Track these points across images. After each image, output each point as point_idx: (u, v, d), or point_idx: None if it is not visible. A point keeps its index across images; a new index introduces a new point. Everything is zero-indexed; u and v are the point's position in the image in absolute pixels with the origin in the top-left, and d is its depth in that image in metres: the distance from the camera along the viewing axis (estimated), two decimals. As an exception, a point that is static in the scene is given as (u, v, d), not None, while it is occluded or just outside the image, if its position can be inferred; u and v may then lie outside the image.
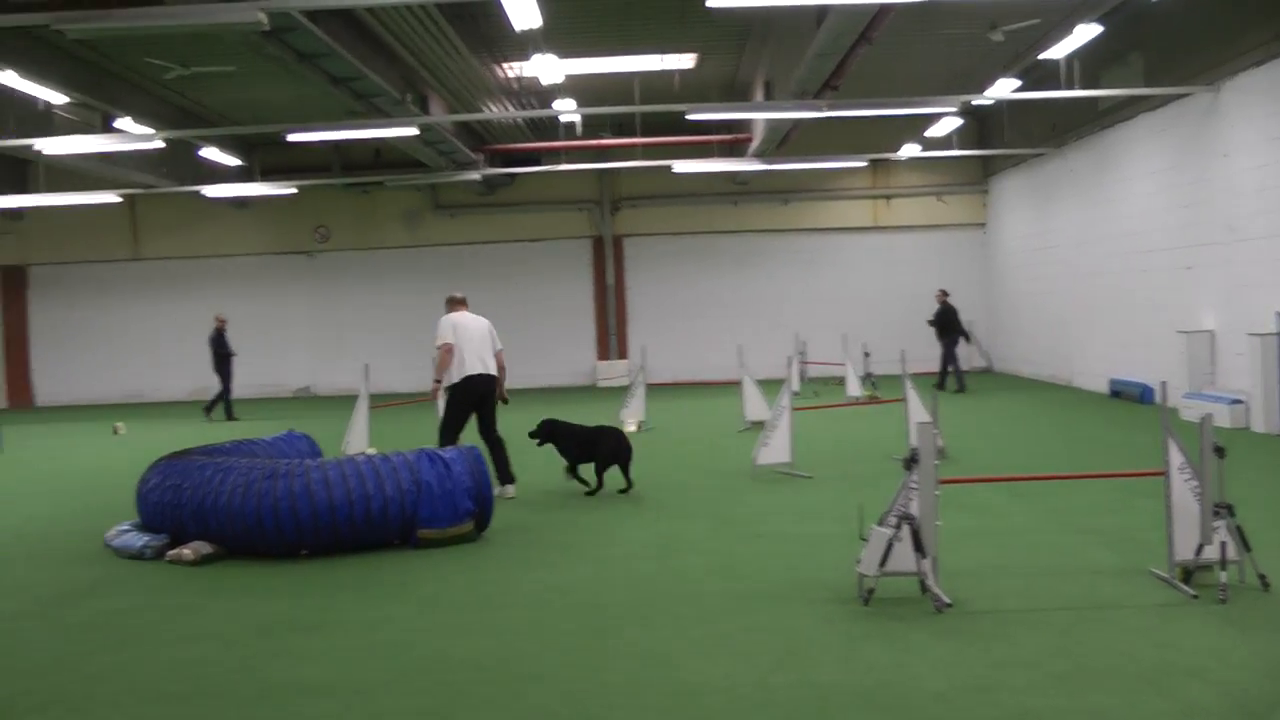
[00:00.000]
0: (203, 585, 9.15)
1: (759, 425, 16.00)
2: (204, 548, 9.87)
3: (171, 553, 9.98)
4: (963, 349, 25.38)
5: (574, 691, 6.15)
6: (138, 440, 20.76)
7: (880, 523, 7.42)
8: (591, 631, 7.26)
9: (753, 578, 8.46)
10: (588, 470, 12.71)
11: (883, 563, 7.30)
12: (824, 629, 7.05)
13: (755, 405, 17.85)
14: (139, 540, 10.32)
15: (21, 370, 33.14)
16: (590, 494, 12.57)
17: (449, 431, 12.72)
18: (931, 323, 24.90)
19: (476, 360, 12.69)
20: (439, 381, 12.81)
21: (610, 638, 7.11)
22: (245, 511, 9.63)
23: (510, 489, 12.73)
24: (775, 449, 13.21)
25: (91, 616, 8.36)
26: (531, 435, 12.94)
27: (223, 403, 24.64)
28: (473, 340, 12.77)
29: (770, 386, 18.08)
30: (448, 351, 12.62)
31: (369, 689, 6.36)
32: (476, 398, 12.74)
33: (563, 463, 12.90)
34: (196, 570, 9.64)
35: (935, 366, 24.56)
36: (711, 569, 8.83)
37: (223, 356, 24.69)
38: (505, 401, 13.06)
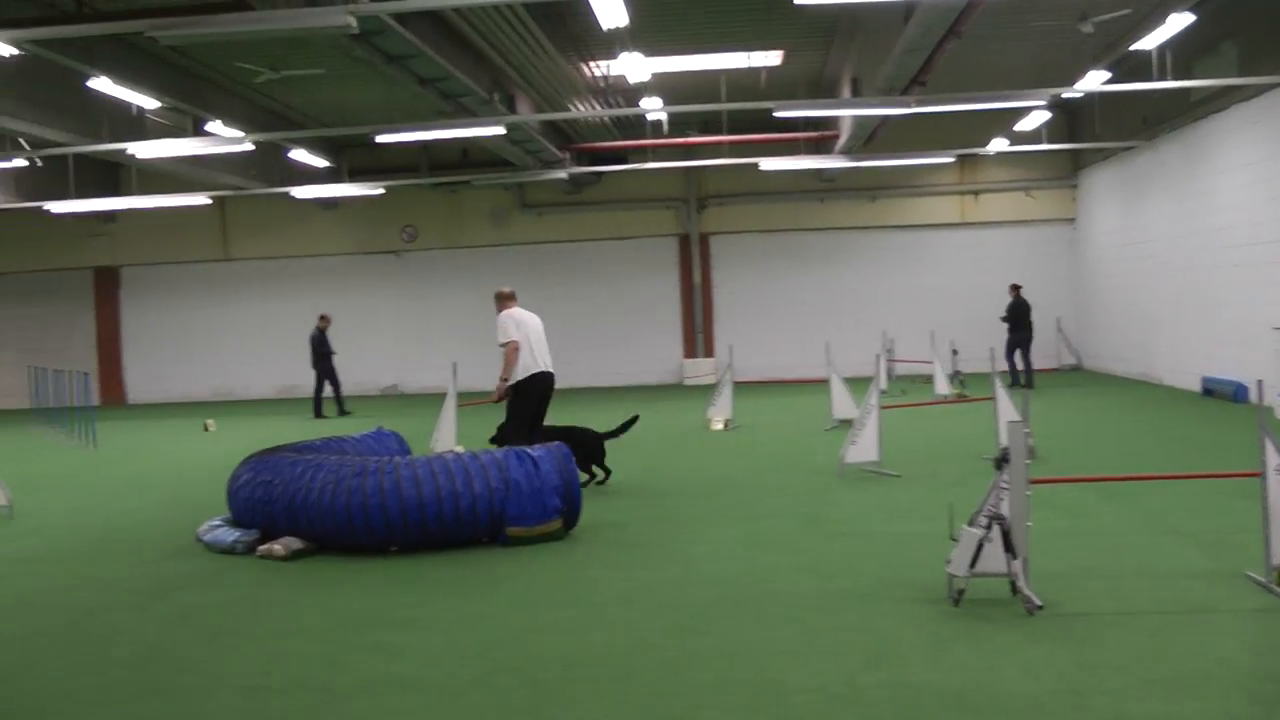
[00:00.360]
0: (293, 580, 9.27)
1: (846, 423, 15.94)
2: (294, 543, 10.01)
3: (262, 548, 10.13)
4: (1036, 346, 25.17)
5: (662, 690, 6.16)
6: (228, 437, 21.08)
7: (970, 523, 7.35)
8: (679, 630, 7.27)
9: (841, 577, 8.44)
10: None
11: (973, 563, 7.24)
12: (913, 629, 7.01)
13: (843, 403, 17.77)
14: (230, 535, 10.48)
15: (114, 369, 33.75)
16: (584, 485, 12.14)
17: (520, 429, 12.59)
18: (1004, 318, 24.71)
19: (542, 357, 12.70)
20: (505, 380, 12.61)
21: (698, 636, 7.11)
22: (335, 508, 9.75)
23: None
24: (863, 447, 13.15)
25: (184, 609, 8.52)
26: (492, 441, 12.93)
27: (329, 399, 24.84)
28: (536, 336, 12.72)
29: (858, 384, 18.03)
30: (514, 350, 12.51)
31: (459, 685, 6.41)
32: (539, 395, 12.71)
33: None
34: (287, 565, 9.78)
35: (1022, 365, 24.32)
36: (799, 568, 8.82)
37: (322, 355, 24.96)
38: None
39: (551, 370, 12.74)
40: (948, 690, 5.92)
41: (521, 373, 12.58)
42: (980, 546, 7.21)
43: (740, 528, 10.57)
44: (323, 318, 25.67)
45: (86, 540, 11.58)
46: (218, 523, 10.89)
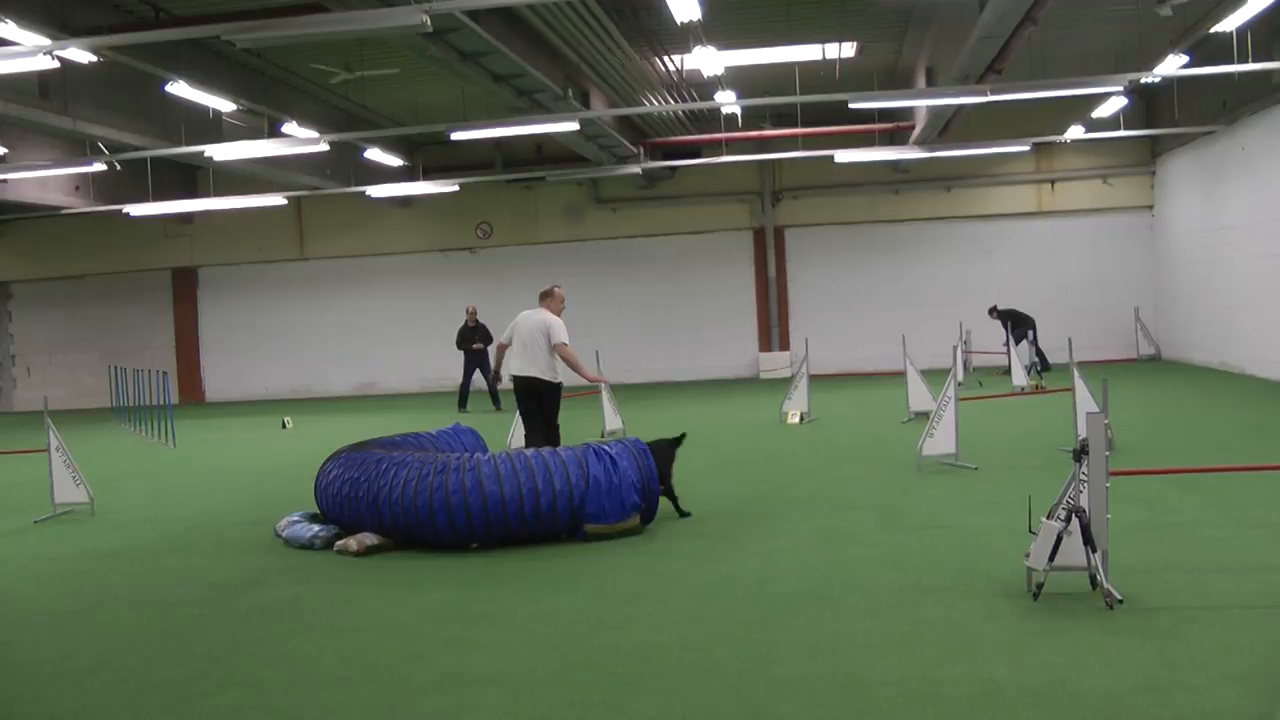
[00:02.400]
0: (371, 576, 9.38)
1: (923, 416, 15.84)
2: (369, 539, 10.11)
3: (339, 543, 10.25)
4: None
5: (742, 684, 6.17)
6: (305, 434, 21.30)
7: (1049, 516, 7.29)
8: (758, 623, 7.28)
9: (919, 570, 8.40)
10: None
11: (1052, 557, 7.17)
12: (993, 623, 6.97)
13: (919, 396, 17.65)
14: (308, 531, 10.62)
15: (193, 368, 34.21)
16: None
17: (527, 428, 13.17)
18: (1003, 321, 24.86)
19: (518, 360, 13.05)
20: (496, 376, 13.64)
21: (777, 630, 7.12)
22: (418, 504, 9.83)
23: None
24: (940, 440, 13.06)
25: (264, 603, 8.65)
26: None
27: (483, 392, 24.89)
28: (521, 337, 13.06)
29: (934, 376, 17.89)
30: (498, 350, 13.46)
31: (537, 680, 6.45)
32: (520, 396, 13.18)
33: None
34: (365, 561, 9.89)
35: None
36: (878, 561, 8.79)
37: (467, 347, 25.16)
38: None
39: (525, 374, 12.95)
40: (1028, 686, 5.87)
41: (507, 371, 13.27)
42: (1059, 540, 7.15)
43: (818, 521, 10.56)
44: (470, 309, 25.93)
45: (167, 536, 11.77)
46: (296, 518, 11.03)
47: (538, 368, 12.93)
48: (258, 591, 9.07)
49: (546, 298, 13.43)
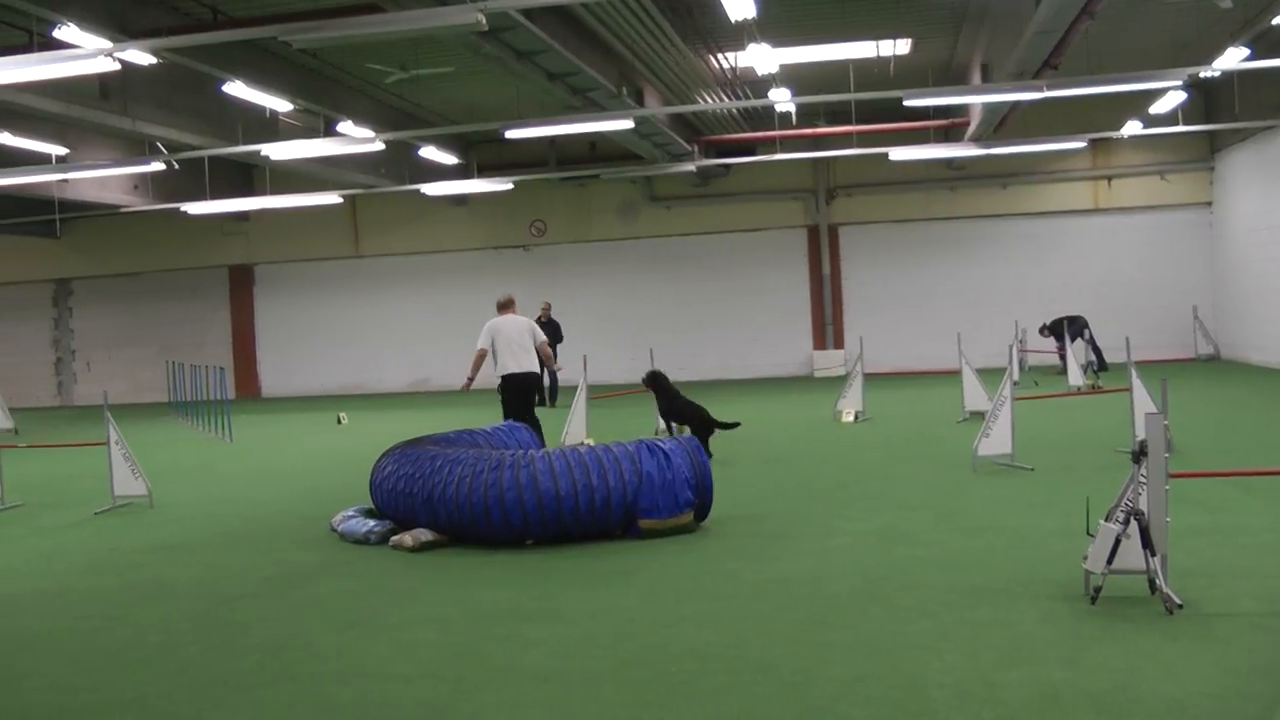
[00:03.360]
0: (426, 571, 9.42)
1: (978, 416, 15.76)
2: (424, 535, 10.16)
3: (394, 539, 10.32)
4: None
5: (797, 683, 6.15)
6: (360, 430, 21.42)
7: (1107, 518, 7.21)
8: (813, 623, 7.25)
9: (975, 571, 8.34)
10: None
11: (1110, 560, 7.10)
12: (1050, 627, 6.90)
13: (975, 395, 17.55)
14: (363, 526, 10.69)
15: (249, 364, 34.51)
16: None
17: (510, 417, 14.34)
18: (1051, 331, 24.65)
19: (514, 359, 14.70)
20: (470, 379, 15.13)
21: (832, 629, 7.09)
22: (473, 501, 9.86)
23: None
24: (996, 440, 12.97)
25: (318, 598, 8.72)
26: None
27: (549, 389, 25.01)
28: (509, 341, 14.71)
29: (990, 376, 17.79)
30: (478, 357, 14.77)
31: (592, 678, 6.45)
32: (515, 390, 14.76)
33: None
34: (419, 557, 9.94)
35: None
36: (933, 561, 8.73)
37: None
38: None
39: (524, 370, 14.75)
40: (1086, 690, 5.81)
41: (501, 371, 14.71)
42: (1118, 542, 7.07)
43: (873, 521, 10.51)
44: (544, 306, 26.09)
45: (223, 530, 11.90)
46: (351, 513, 11.10)
47: (532, 363, 14.78)
48: (313, 585, 9.14)
49: (510, 306, 15.20)
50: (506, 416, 14.53)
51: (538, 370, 14.97)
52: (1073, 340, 24.20)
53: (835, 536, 9.91)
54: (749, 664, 6.51)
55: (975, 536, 9.61)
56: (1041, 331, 25.83)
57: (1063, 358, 23.58)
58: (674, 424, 15.78)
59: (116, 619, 8.44)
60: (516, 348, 14.67)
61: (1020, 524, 10.01)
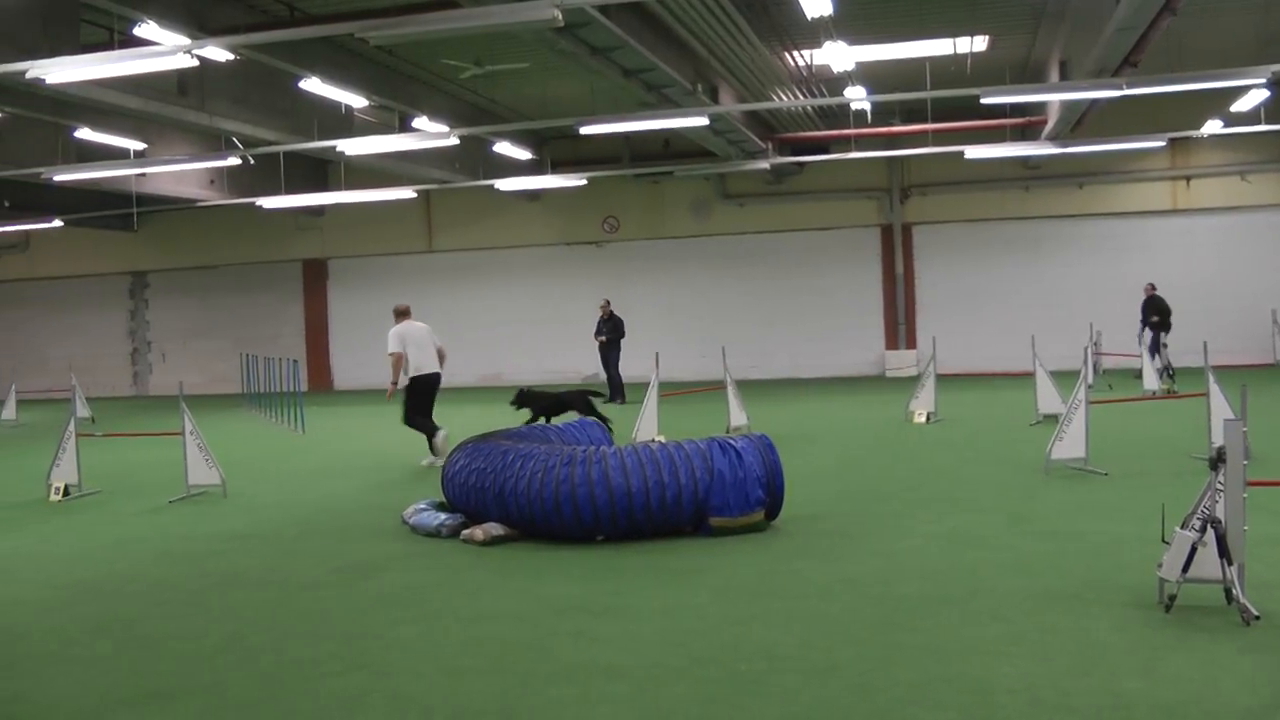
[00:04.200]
0: (497, 565, 9.46)
1: (1052, 419, 15.61)
2: (495, 529, 10.21)
3: (465, 532, 10.38)
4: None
5: (866, 685, 6.11)
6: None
7: (1183, 525, 7.10)
8: (883, 625, 7.21)
9: (1047, 576, 8.24)
10: None
11: (1185, 568, 6.99)
12: (1123, 635, 6.80)
13: (1048, 398, 17.37)
14: (435, 519, 10.77)
15: (322, 356, 34.87)
16: None
17: (415, 416, 15.96)
18: (1153, 320, 24.22)
19: (425, 361, 15.88)
20: (394, 384, 16.07)
21: (902, 632, 7.04)
22: (544, 496, 9.89)
23: (437, 460, 15.15)
24: (1070, 443, 12.83)
25: (390, 589, 8.80)
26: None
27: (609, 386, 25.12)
28: (419, 343, 15.90)
29: (1063, 378, 17.61)
30: (396, 361, 15.75)
31: (661, 674, 6.44)
32: (424, 390, 15.93)
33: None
34: (490, 550, 9.98)
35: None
36: (1004, 565, 8.64)
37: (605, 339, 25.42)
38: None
39: (431, 371, 15.95)
40: (1160, 701, 5.71)
41: (413, 372, 15.75)
42: (1193, 551, 6.96)
43: (944, 523, 10.44)
44: (604, 302, 26.29)
45: (295, 520, 12.03)
46: (423, 506, 11.18)
47: (435, 365, 16.03)
48: (384, 577, 9.22)
49: (408, 314, 16.29)
50: (410, 415, 15.89)
51: (440, 370, 16.16)
52: (1154, 332, 23.85)
53: (906, 538, 9.85)
54: (818, 664, 6.49)
55: (1047, 541, 9.50)
56: (1148, 288, 25.31)
57: (1145, 346, 23.29)
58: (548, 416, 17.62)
59: (190, 605, 8.57)
60: (424, 351, 15.92)
61: (1093, 529, 9.89)
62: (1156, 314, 24.46)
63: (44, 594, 9.21)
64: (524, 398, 18.06)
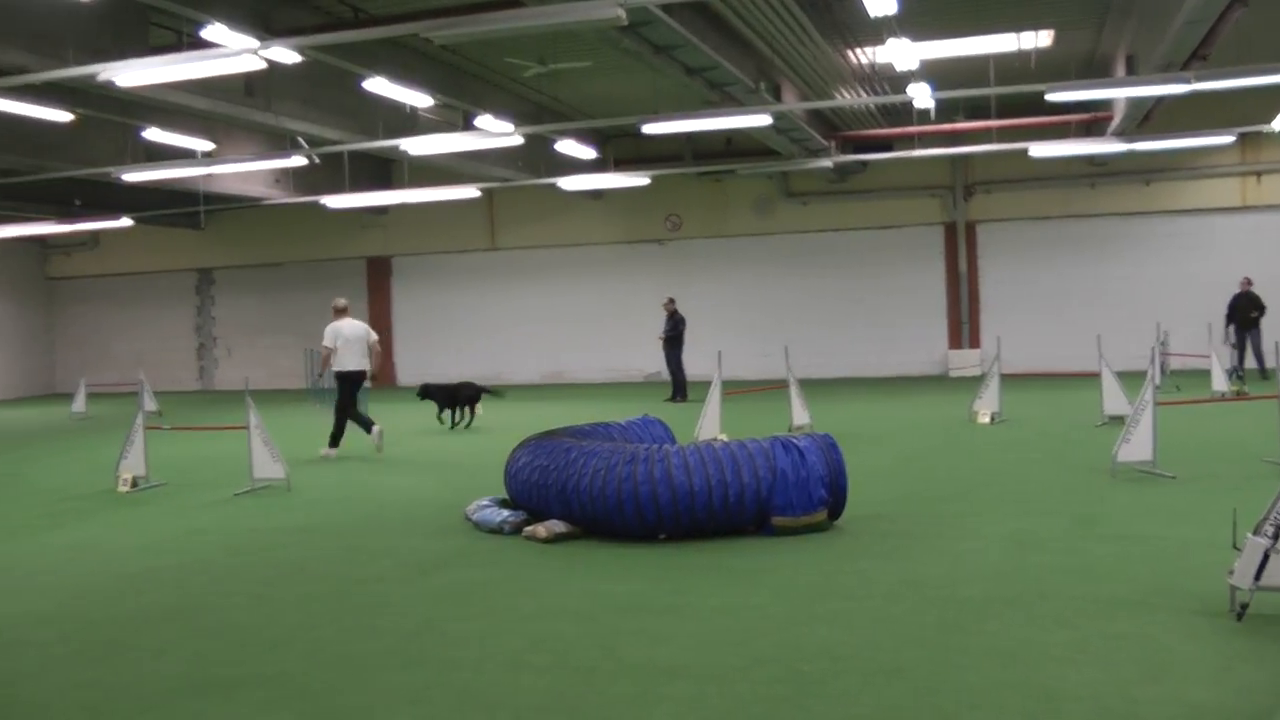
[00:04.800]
0: (559, 563, 9.47)
1: (1118, 420, 15.45)
2: (558, 526, 10.22)
3: (528, 529, 10.40)
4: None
5: (930, 688, 6.06)
6: (494, 420, 21.57)
7: (1255, 531, 6.97)
8: (947, 627, 7.15)
9: (1114, 581, 8.13)
10: None
11: (1258, 576, 6.85)
12: (1192, 643, 6.68)
13: (1114, 398, 17.18)
14: (498, 516, 10.80)
15: (385, 353, 34.96)
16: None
17: (344, 407, 17.17)
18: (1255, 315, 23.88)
19: (353, 359, 17.15)
20: (321, 375, 18.53)
21: (966, 635, 6.98)
22: (606, 494, 9.90)
23: (333, 452, 17.05)
24: (1137, 445, 12.65)
25: (453, 585, 8.84)
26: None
27: (651, 385, 25.16)
28: (350, 341, 17.12)
29: (1129, 379, 17.43)
30: (325, 356, 17.16)
31: (723, 674, 6.42)
32: (353, 384, 17.15)
33: None
34: (552, 548, 10.00)
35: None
36: (1070, 569, 8.54)
37: (671, 338, 25.48)
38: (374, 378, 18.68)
39: (359, 369, 17.25)
40: (1232, 712, 5.60)
41: (339, 367, 17.06)
42: (1266, 558, 6.82)
43: (1008, 525, 10.34)
44: (669, 300, 26.30)
45: (358, 514, 12.14)
46: (486, 503, 11.22)
47: (364, 362, 17.32)
48: (447, 572, 9.26)
49: (346, 311, 17.52)
50: (340, 406, 17.09)
51: (368, 368, 17.44)
52: (1245, 327, 23.55)
53: (970, 540, 9.76)
54: (881, 666, 6.45)
55: (1114, 545, 9.38)
56: (1244, 282, 25.04)
57: (1239, 347, 23.03)
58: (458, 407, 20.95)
59: (256, 597, 8.67)
60: (355, 348, 17.19)
61: (1161, 533, 9.75)
62: (1256, 309, 24.13)
63: (113, 583, 9.34)
64: (425, 391, 21.26)
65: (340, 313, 17.42)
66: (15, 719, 6.21)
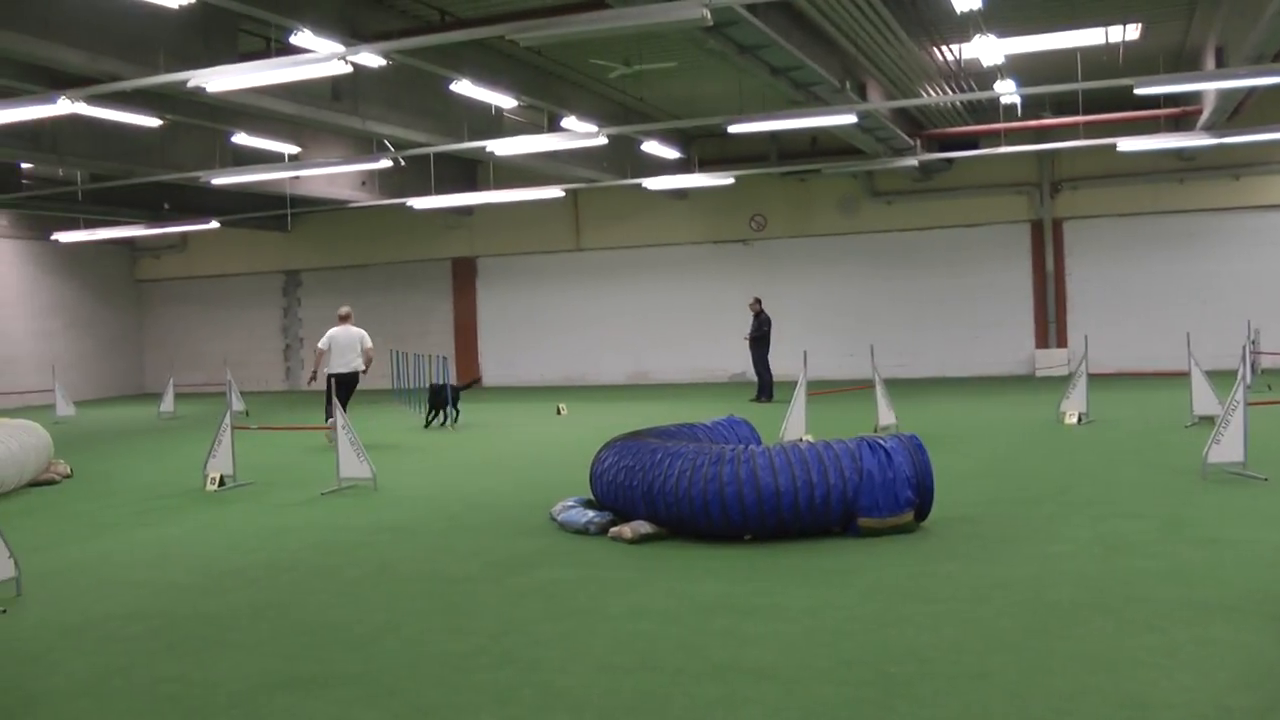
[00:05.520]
0: (644, 563, 9.49)
1: (1208, 420, 15.22)
2: (643, 527, 10.24)
3: (613, 530, 10.43)
4: None
5: (1018, 693, 6.01)
6: (579, 421, 21.70)
7: (1352, 533, 6.88)
8: (1035, 631, 7.09)
9: (1206, 586, 8.00)
10: None
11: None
12: (1288, 648, 6.58)
13: (1205, 398, 16.92)
14: (583, 516, 10.84)
15: (471, 353, 35.31)
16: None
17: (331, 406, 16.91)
18: None
19: (340, 362, 18.71)
20: (314, 375, 18.94)
21: (1054, 639, 6.91)
22: (692, 495, 9.90)
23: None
24: (1228, 447, 12.41)
25: (539, 585, 8.87)
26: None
27: (736, 385, 25.18)
28: (342, 346, 18.83)
29: (1219, 378, 17.18)
30: (318, 356, 18.91)
31: (810, 675, 6.41)
32: (340, 385, 16.84)
33: None
34: (637, 549, 10.01)
35: None
36: (1161, 573, 8.42)
37: (756, 338, 25.53)
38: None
39: (348, 371, 18.76)
40: (1333, 721, 5.50)
41: (327, 370, 18.28)
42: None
43: (1097, 527, 10.23)
44: (755, 300, 26.42)
45: (445, 514, 12.23)
46: (572, 503, 11.27)
47: (356, 365, 19.02)
48: (533, 572, 9.31)
49: (348, 318, 19.41)
50: (329, 405, 17.09)
51: (360, 370, 19.15)
52: None
53: (1057, 542, 9.67)
54: (968, 669, 6.41)
55: (1205, 548, 9.25)
56: None
57: None
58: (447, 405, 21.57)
59: (343, 595, 8.79)
60: (345, 352, 18.86)
61: (1254, 537, 9.57)
62: None
63: (201, 580, 9.51)
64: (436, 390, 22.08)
65: (342, 319, 19.35)
66: (106, 713, 6.33)
